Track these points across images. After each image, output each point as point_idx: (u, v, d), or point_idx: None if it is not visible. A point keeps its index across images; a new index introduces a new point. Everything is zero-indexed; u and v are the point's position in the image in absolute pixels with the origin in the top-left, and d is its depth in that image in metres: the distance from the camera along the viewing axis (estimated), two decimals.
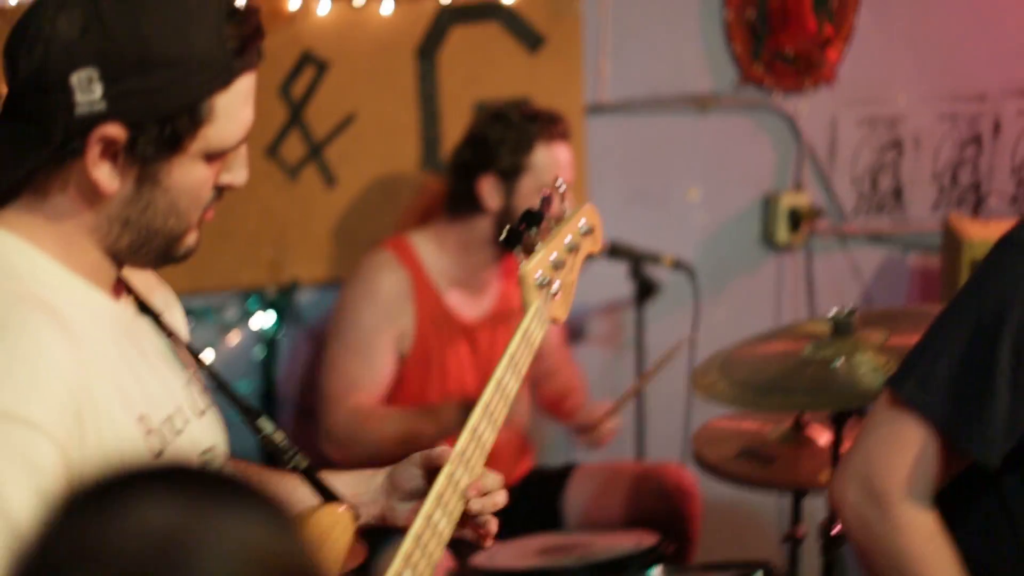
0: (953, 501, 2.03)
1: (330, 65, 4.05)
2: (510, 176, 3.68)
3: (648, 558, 3.30)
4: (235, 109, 1.81)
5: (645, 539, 3.44)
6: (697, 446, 3.44)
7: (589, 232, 2.26)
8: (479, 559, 3.35)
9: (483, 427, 2.00)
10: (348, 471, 2.16)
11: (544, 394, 4.03)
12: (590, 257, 2.30)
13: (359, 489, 2.10)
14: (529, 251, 2.14)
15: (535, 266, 2.12)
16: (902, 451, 1.98)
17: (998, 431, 1.93)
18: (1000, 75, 4.89)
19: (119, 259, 1.88)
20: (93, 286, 1.86)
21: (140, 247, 1.85)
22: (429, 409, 3.61)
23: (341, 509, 1.98)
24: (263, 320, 4.05)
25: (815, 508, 3.48)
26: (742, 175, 4.63)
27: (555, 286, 2.15)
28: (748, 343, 3.22)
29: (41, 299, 1.77)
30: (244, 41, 1.81)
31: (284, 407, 4.13)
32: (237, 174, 1.89)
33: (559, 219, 2.21)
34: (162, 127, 1.76)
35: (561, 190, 2.19)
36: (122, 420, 1.79)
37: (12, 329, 1.71)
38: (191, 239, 1.89)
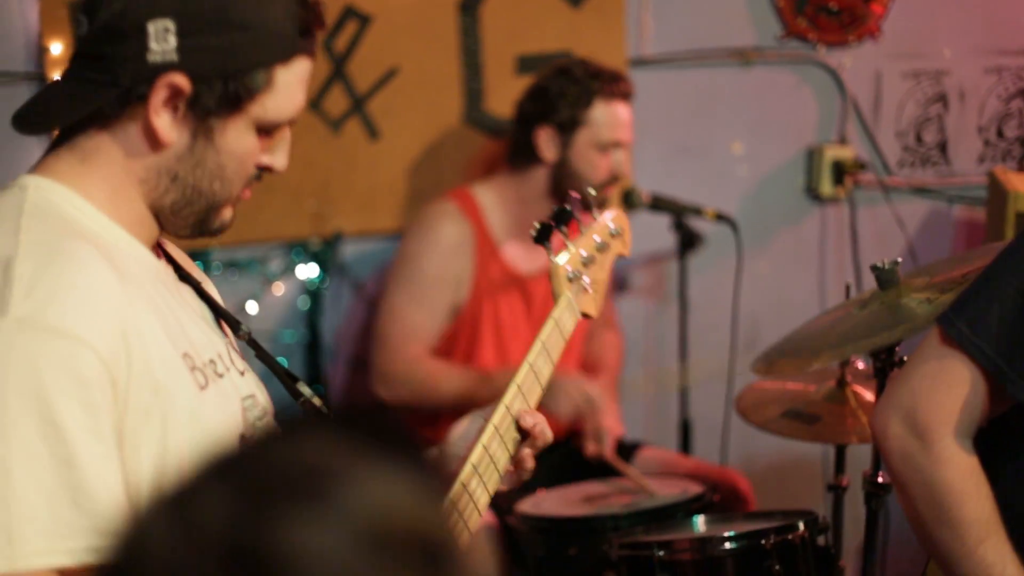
0: (994, 446, 2.04)
1: (373, 19, 4.06)
2: (567, 129, 3.71)
3: (694, 506, 3.32)
4: (291, 87, 1.89)
5: (691, 487, 3.46)
6: (741, 408, 3.44)
7: (619, 234, 2.40)
8: (524, 506, 3.37)
9: (516, 405, 2.12)
10: None
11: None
12: (620, 258, 2.44)
13: None
14: (560, 247, 2.27)
15: (566, 260, 2.26)
16: (948, 388, 2.00)
17: None
18: None
19: (161, 218, 1.92)
20: (136, 240, 1.90)
21: (183, 207, 1.90)
22: (487, 375, 3.63)
23: None
24: (307, 272, 4.08)
25: (859, 458, 3.47)
26: (785, 128, 4.62)
27: (585, 281, 2.28)
28: (803, 328, 3.19)
29: (89, 238, 1.82)
30: (309, 25, 1.90)
31: (329, 357, 4.15)
32: (279, 158, 1.95)
33: (589, 220, 2.35)
34: (226, 85, 1.83)
35: (592, 195, 2.31)
36: (168, 351, 1.83)
37: (61, 255, 1.76)
38: (227, 214, 1.95)
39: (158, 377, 1.78)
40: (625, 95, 3.75)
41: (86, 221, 1.84)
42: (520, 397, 2.13)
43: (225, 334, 2.05)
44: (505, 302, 3.77)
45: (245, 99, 1.84)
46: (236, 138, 1.86)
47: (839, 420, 3.51)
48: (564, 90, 3.70)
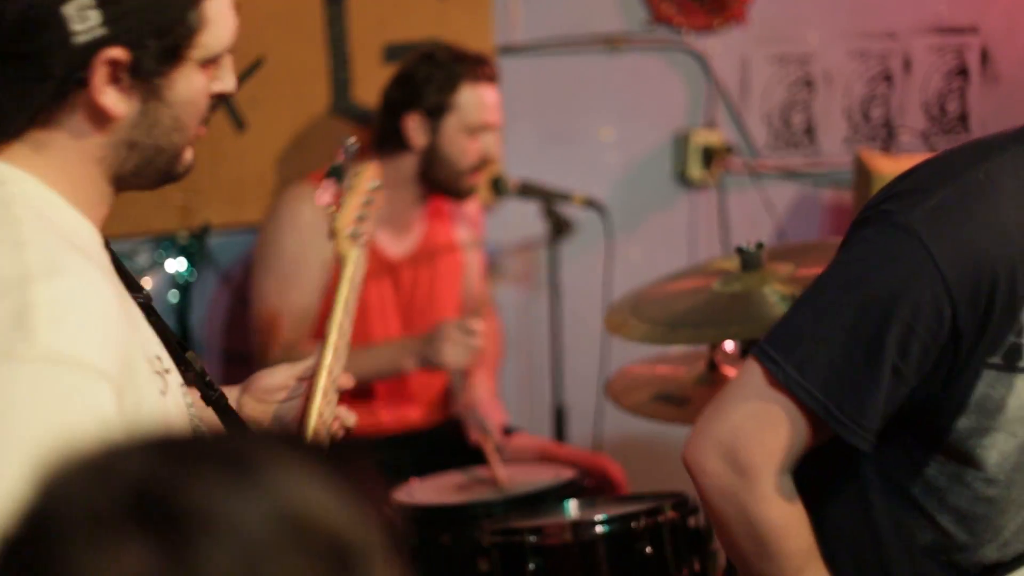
0: (817, 469, 2.02)
1: (237, 9, 4.01)
2: (435, 114, 3.70)
3: (566, 491, 3.34)
4: (222, 12, 1.86)
5: (563, 472, 3.48)
6: (612, 392, 3.46)
7: (378, 187, 2.48)
8: (397, 495, 3.37)
9: (335, 368, 2.21)
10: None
11: None
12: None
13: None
14: (337, 207, 2.35)
15: (345, 220, 2.34)
16: (773, 429, 1.95)
17: (875, 420, 1.91)
18: (909, 12, 4.93)
19: (121, 185, 1.86)
20: (95, 227, 1.85)
21: (144, 168, 1.84)
22: (375, 349, 3.62)
23: None
24: (175, 265, 4.03)
25: None
26: (654, 114, 4.66)
27: (364, 238, 2.38)
28: (659, 282, 3.25)
29: (71, 240, 1.76)
30: None
31: (199, 351, 4.11)
32: (227, 81, 1.91)
33: (353, 178, 2.43)
34: (161, 40, 1.76)
35: (352, 150, 2.38)
36: (144, 363, 1.78)
37: (64, 272, 1.68)
38: (189, 155, 1.90)
39: (143, 396, 1.74)
40: (491, 78, 3.76)
41: (54, 213, 1.78)
42: (336, 359, 2.21)
43: None
44: (373, 286, 3.75)
45: (184, 46, 1.78)
46: (186, 86, 1.80)
47: (708, 402, 3.54)
48: (430, 75, 3.70)
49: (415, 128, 3.71)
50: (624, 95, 4.60)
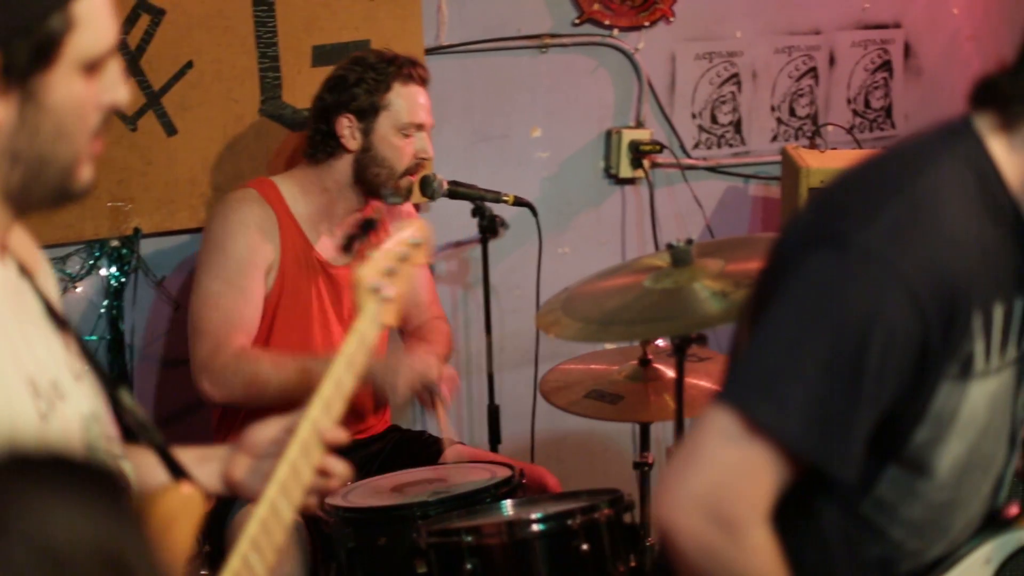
0: (787, 510, 1.95)
1: (166, 13, 4.01)
2: (368, 116, 3.71)
3: (502, 490, 3.35)
4: (97, 12, 1.76)
5: (499, 472, 3.49)
6: (545, 390, 3.48)
7: (419, 244, 2.40)
8: (333, 499, 3.37)
9: (322, 420, 2.13)
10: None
11: (410, 349, 4.04)
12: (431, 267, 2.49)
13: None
14: (363, 258, 2.30)
15: (369, 272, 2.28)
16: (754, 477, 1.86)
17: (859, 449, 1.86)
18: (834, 8, 4.99)
19: (15, 203, 1.80)
20: None
21: (32, 182, 1.77)
22: (310, 367, 3.59)
23: (189, 490, 1.98)
24: (108, 271, 4.02)
25: (663, 435, 3.55)
26: (583, 112, 4.68)
27: (387, 292, 2.29)
28: (590, 280, 3.27)
29: None
30: None
31: (133, 356, 4.10)
32: (117, 91, 1.82)
33: (391, 231, 2.37)
34: (29, 39, 1.69)
35: (393, 201, 2.33)
36: (14, 383, 1.75)
37: None
38: (86, 173, 1.81)
39: (2, 415, 1.71)
40: (422, 79, 3.77)
41: None
42: (326, 412, 2.13)
43: (60, 329, 1.96)
44: (314, 292, 3.75)
45: (55, 46, 1.70)
46: (65, 91, 1.73)
47: (641, 398, 3.58)
48: (362, 77, 3.70)
49: (348, 130, 3.71)
50: (553, 94, 4.62)
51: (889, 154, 2.00)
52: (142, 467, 2.05)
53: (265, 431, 2.20)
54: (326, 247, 3.79)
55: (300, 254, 3.74)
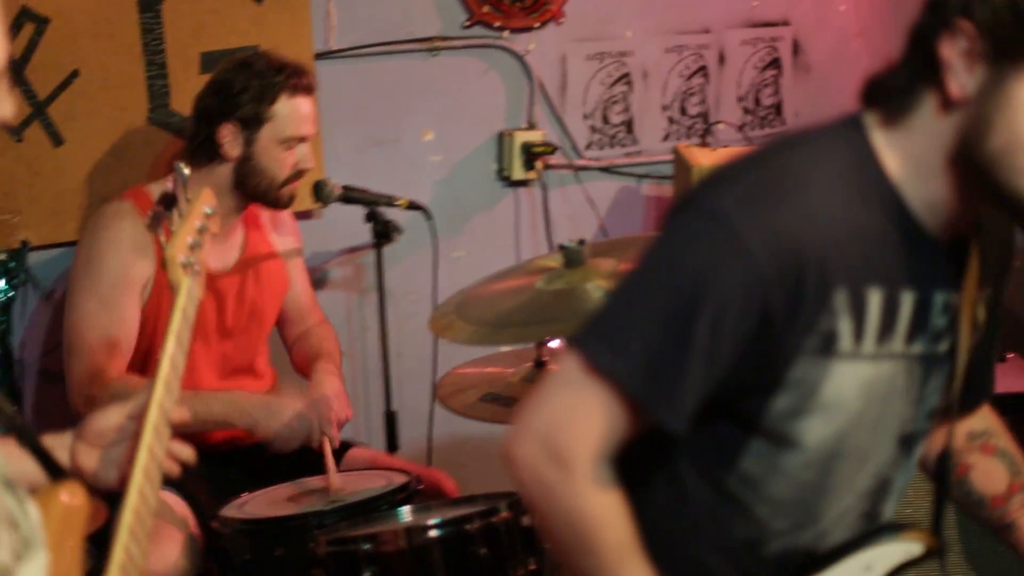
0: (624, 455, 2.00)
1: (50, 20, 3.95)
2: (251, 125, 3.64)
3: (398, 497, 3.34)
4: None
5: (396, 478, 3.48)
6: (441, 394, 3.48)
7: (213, 214, 2.44)
8: (228, 510, 3.34)
9: (167, 402, 2.18)
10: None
11: (297, 357, 4.01)
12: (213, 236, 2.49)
13: None
14: (168, 235, 2.33)
15: (178, 248, 2.31)
16: (589, 416, 1.94)
17: (689, 403, 1.92)
18: (723, 7, 5.03)
19: None
20: None
21: None
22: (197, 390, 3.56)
23: (70, 490, 1.94)
24: None
25: None
26: (475, 115, 4.68)
27: (196, 267, 2.33)
28: (484, 282, 3.28)
29: None
30: None
31: (22, 371, 4.04)
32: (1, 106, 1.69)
33: (186, 205, 2.41)
34: None
35: (184, 177, 2.32)
36: None
37: None
38: None
39: None
40: (309, 89, 3.72)
41: None
42: (168, 393, 2.18)
43: None
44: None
45: None
46: None
47: None
48: (247, 85, 3.63)
49: (230, 138, 3.65)
50: (445, 97, 4.62)
51: (777, 139, 2.05)
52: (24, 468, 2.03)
53: (107, 419, 2.21)
54: (208, 255, 3.73)
55: None
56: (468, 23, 4.61)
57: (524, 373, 3.65)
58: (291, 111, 3.66)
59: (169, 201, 2.29)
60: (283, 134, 3.64)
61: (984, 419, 2.37)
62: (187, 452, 2.23)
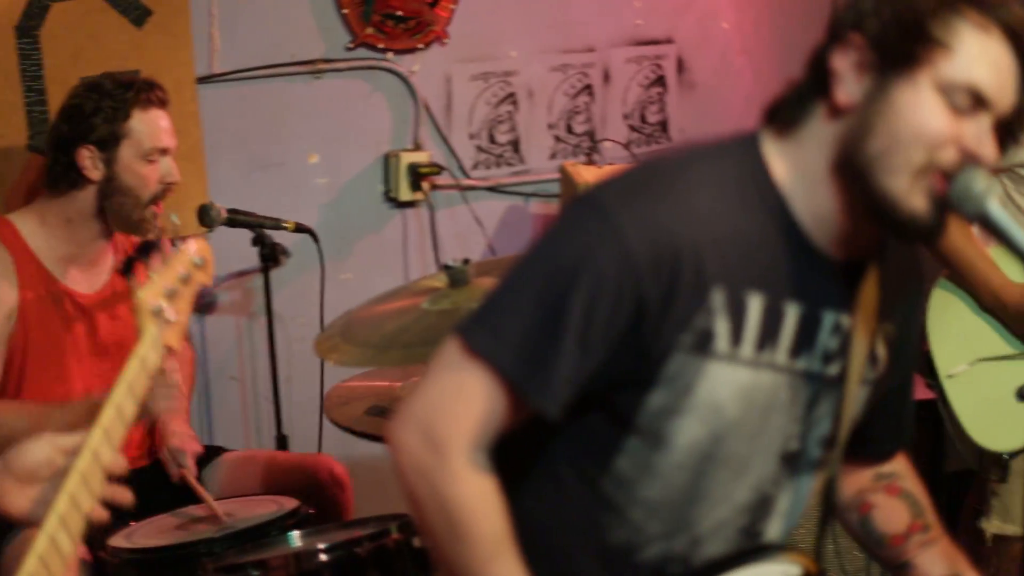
0: (505, 450, 2.02)
1: None
2: (108, 145, 3.60)
3: (288, 521, 3.32)
4: None
5: (286, 503, 3.45)
6: (328, 408, 3.46)
7: (202, 264, 2.40)
8: (116, 540, 3.30)
9: (103, 450, 2.07)
10: None
11: None
12: (202, 287, 2.45)
13: None
14: (144, 280, 2.25)
15: (150, 294, 2.23)
16: (467, 402, 1.95)
17: (563, 386, 1.94)
18: (607, 25, 5.06)
19: None
20: None
21: None
22: (52, 408, 3.50)
23: None
24: None
25: None
26: (361, 136, 4.67)
27: (169, 315, 2.25)
28: (369, 304, 3.26)
29: None
30: None
31: None
32: None
33: (171, 252, 2.35)
34: None
35: (173, 225, 2.29)
36: None
37: None
38: None
39: None
40: (162, 102, 3.68)
41: None
42: (106, 441, 2.08)
43: None
44: (64, 327, 3.65)
45: None
46: None
47: None
48: (99, 106, 3.59)
49: (89, 161, 3.60)
50: (330, 119, 4.60)
51: (673, 149, 2.16)
52: None
53: (33, 453, 2.10)
54: (75, 279, 3.69)
55: (44, 291, 3.63)
56: (352, 45, 4.60)
57: (412, 387, 3.63)
58: (147, 124, 3.62)
59: (147, 248, 2.24)
60: (143, 148, 3.60)
61: (894, 461, 2.39)
62: (126, 498, 2.11)
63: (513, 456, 2.04)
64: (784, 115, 2.00)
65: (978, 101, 1.89)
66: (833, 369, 2.08)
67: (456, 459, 1.95)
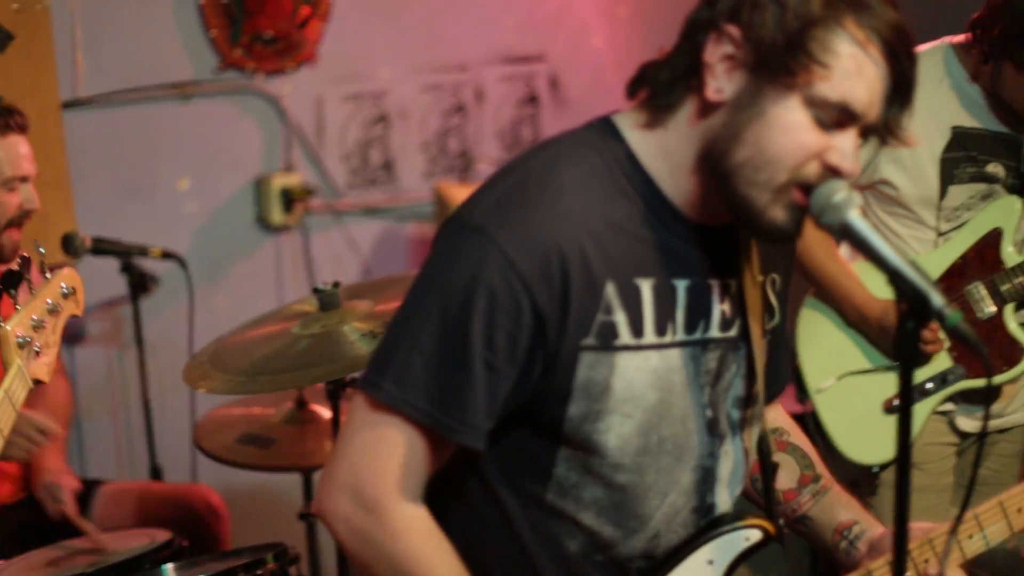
0: (442, 488, 2.01)
1: None
2: None
3: (162, 554, 3.25)
4: None
5: (159, 535, 3.39)
6: (198, 436, 3.40)
7: (71, 294, 2.37)
8: None
9: None
10: None
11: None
12: (73, 318, 2.44)
13: None
14: (9, 311, 2.22)
15: (15, 327, 2.20)
16: (389, 454, 1.92)
17: (481, 416, 1.92)
18: (479, 44, 5.05)
19: None
20: None
21: None
22: None
23: None
24: None
25: None
26: (231, 160, 4.62)
27: (36, 346, 2.22)
28: (239, 330, 3.21)
29: None
30: None
31: None
32: None
33: (40, 282, 2.32)
34: None
35: (29, 259, 2.24)
36: None
37: None
38: None
39: None
40: (21, 128, 3.58)
41: None
42: None
43: None
44: None
45: None
46: None
47: (297, 441, 3.53)
48: None
49: None
50: (199, 143, 4.54)
51: (524, 150, 2.07)
52: None
53: None
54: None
55: None
56: (220, 67, 4.54)
57: (284, 414, 3.59)
58: (6, 151, 3.52)
59: (10, 280, 2.17)
60: (2, 175, 3.51)
61: (776, 417, 2.39)
62: None
63: (449, 493, 2.02)
64: (653, 101, 1.98)
65: (848, 116, 1.87)
66: (733, 331, 2.08)
67: (392, 514, 1.92)
